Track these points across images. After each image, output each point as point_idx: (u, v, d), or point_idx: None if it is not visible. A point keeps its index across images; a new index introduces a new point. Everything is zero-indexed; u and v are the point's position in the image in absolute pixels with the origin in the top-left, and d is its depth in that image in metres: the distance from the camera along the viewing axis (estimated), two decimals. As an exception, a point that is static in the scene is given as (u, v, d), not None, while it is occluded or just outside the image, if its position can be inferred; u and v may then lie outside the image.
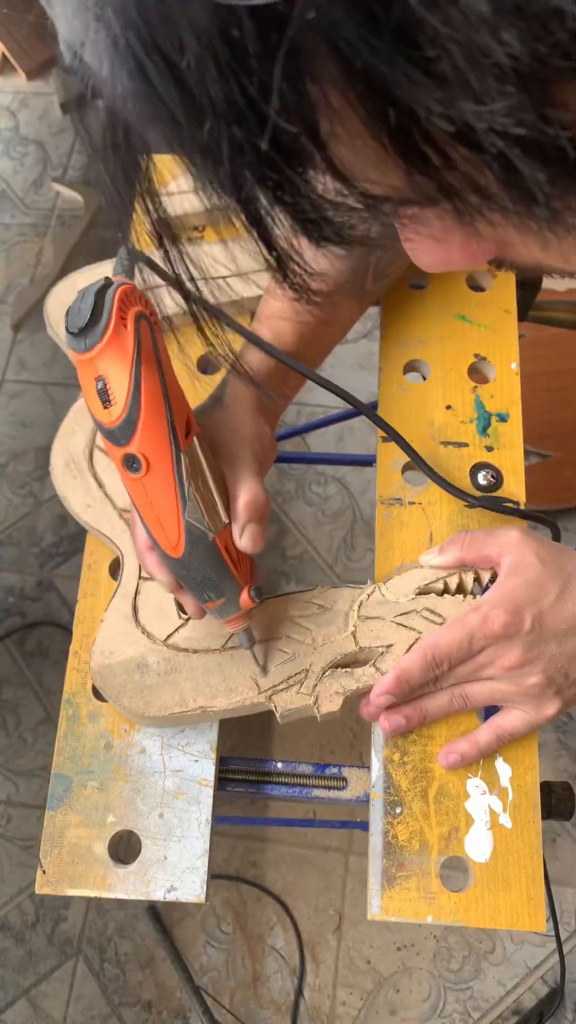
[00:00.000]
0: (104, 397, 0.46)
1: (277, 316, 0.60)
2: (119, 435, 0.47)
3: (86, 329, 0.45)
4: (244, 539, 0.51)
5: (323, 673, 0.56)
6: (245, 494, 0.52)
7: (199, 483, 0.49)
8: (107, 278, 0.46)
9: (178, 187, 0.76)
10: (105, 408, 0.46)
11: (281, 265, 0.27)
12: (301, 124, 0.20)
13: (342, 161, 0.22)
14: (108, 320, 0.45)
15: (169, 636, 0.58)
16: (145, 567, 0.54)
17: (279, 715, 0.56)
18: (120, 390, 0.46)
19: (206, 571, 0.51)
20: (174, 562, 0.51)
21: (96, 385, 0.46)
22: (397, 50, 0.18)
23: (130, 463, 0.47)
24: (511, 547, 0.55)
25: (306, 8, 0.18)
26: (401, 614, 0.58)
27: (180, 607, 0.59)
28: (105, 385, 0.46)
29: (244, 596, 0.52)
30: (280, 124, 0.20)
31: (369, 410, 0.59)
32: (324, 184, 0.23)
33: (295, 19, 0.18)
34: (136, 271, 0.52)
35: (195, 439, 0.49)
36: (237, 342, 0.54)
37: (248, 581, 0.53)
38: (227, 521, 0.51)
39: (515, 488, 0.65)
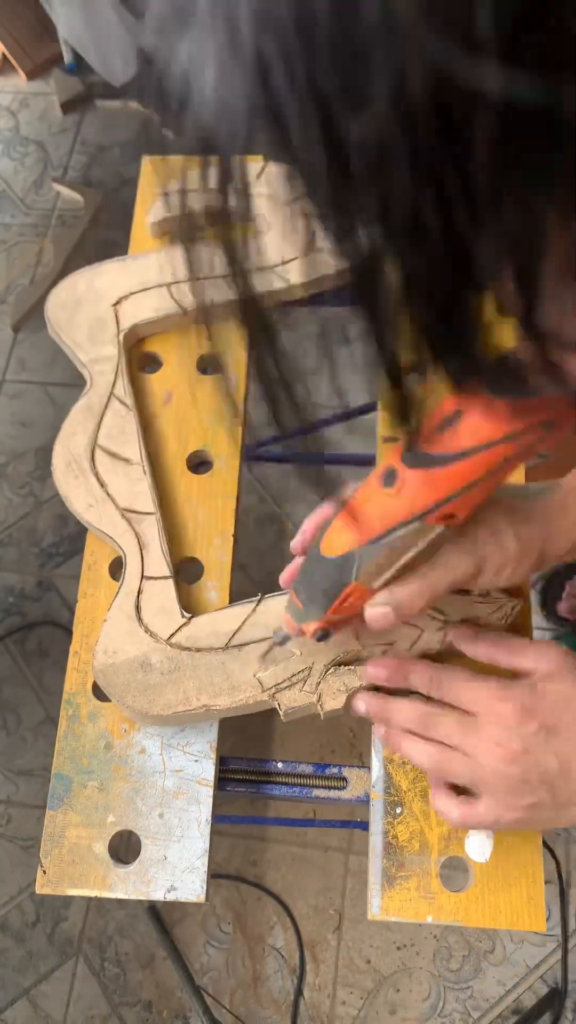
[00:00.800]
0: (445, 424, 0.41)
1: None
2: (415, 458, 0.43)
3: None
4: (370, 612, 0.49)
5: (326, 671, 0.56)
6: (407, 590, 0.48)
7: (399, 550, 0.46)
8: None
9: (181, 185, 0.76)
10: (436, 430, 0.41)
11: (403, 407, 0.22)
12: (512, 264, 0.16)
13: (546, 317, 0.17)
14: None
15: (172, 635, 0.58)
16: (308, 524, 0.52)
17: (282, 713, 0.56)
18: (462, 441, 0.41)
19: (319, 582, 0.49)
20: (317, 555, 0.48)
21: (449, 410, 0.41)
22: None
23: (390, 477, 0.44)
24: (549, 659, 0.52)
25: None
26: None
27: (183, 607, 0.59)
28: (457, 419, 0.41)
29: (311, 625, 0.50)
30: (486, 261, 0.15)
31: None
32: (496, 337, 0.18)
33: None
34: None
35: (442, 530, 0.45)
36: None
37: (328, 625, 0.51)
38: (375, 588, 0.48)
39: (515, 488, 0.65)
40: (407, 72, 0.13)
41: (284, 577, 0.55)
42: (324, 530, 0.49)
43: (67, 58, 1.91)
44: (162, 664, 0.57)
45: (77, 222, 1.78)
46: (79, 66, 1.92)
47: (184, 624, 0.59)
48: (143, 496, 0.63)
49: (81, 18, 1.67)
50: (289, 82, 0.15)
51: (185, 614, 0.59)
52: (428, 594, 0.48)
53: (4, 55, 1.95)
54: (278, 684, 0.56)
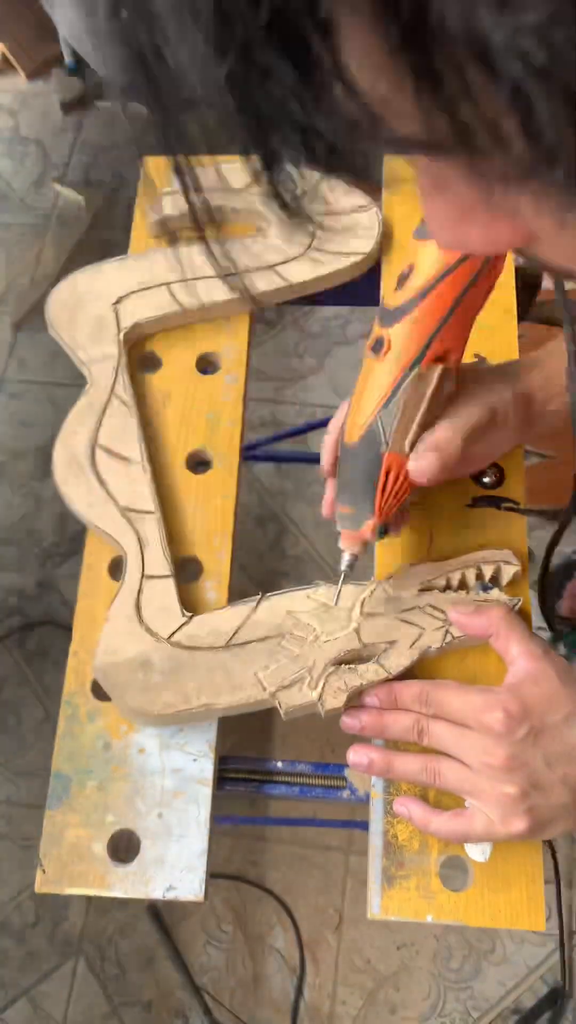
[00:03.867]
0: (402, 281, 0.49)
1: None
2: (388, 317, 0.49)
3: None
4: (415, 463, 0.51)
5: (326, 670, 0.56)
6: (441, 432, 0.52)
7: (411, 403, 0.50)
8: None
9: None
10: (396, 290, 0.49)
11: (269, 168, 0.22)
12: (306, 10, 0.17)
13: (348, 65, 0.18)
14: None
15: (172, 634, 0.58)
16: (326, 439, 0.56)
17: (283, 712, 0.56)
18: (416, 284, 0.48)
19: (357, 474, 0.52)
20: (343, 446, 0.52)
21: (405, 268, 0.49)
22: None
23: (378, 344, 0.50)
24: (530, 654, 0.54)
25: None
26: (404, 610, 0.58)
27: (182, 606, 0.59)
28: (410, 272, 0.49)
29: (369, 522, 0.52)
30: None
31: None
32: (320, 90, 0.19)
33: None
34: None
35: (440, 370, 0.50)
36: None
37: (384, 516, 0.53)
38: (407, 452, 0.52)
39: (515, 488, 0.65)
40: None
41: (326, 504, 0.57)
42: (340, 429, 0.53)
43: (67, 58, 1.91)
44: (162, 663, 0.57)
45: (77, 222, 1.78)
46: (79, 66, 1.92)
47: (185, 623, 0.59)
48: (143, 495, 0.63)
49: (81, 19, 1.67)
50: None
51: (186, 613, 0.59)
52: (460, 434, 0.52)
53: (4, 55, 1.95)
54: (280, 684, 0.56)
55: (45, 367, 1.66)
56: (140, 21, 0.19)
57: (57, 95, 1.92)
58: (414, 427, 0.51)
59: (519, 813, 0.50)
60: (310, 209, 0.25)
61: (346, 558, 0.54)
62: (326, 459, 0.55)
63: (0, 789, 1.37)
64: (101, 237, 1.77)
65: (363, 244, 0.71)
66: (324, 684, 0.56)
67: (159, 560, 0.61)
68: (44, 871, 0.56)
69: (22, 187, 1.86)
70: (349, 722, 0.56)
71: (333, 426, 0.55)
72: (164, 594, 0.60)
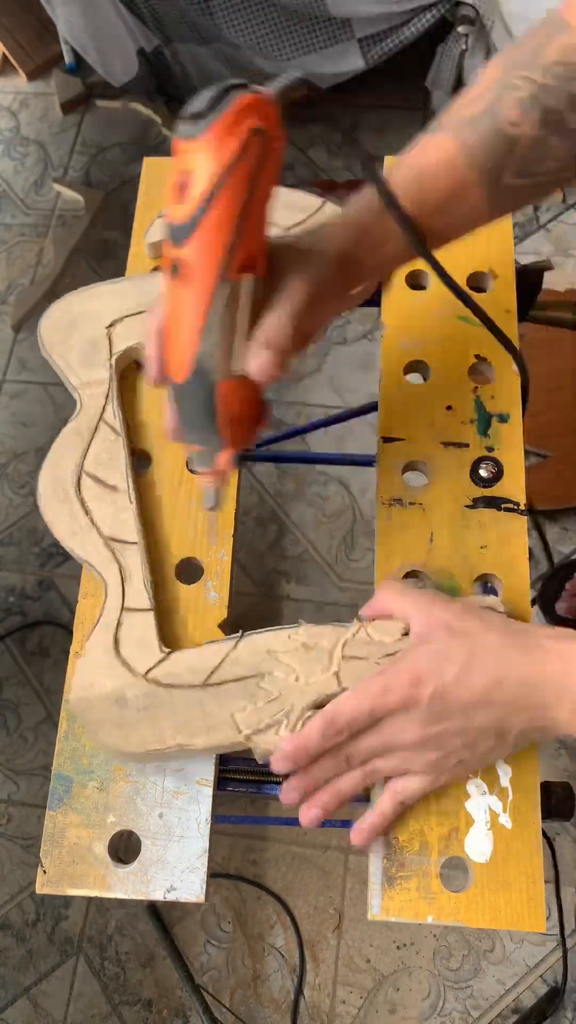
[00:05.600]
0: (181, 191, 0.43)
1: (410, 173, 0.52)
2: (177, 234, 0.44)
3: (195, 118, 0.42)
4: (251, 362, 0.47)
5: (304, 714, 0.55)
6: (269, 325, 0.47)
7: (229, 322, 0.46)
8: (245, 82, 0.43)
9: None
10: (177, 203, 0.43)
11: None
12: None
13: None
14: (216, 120, 0.41)
15: (149, 670, 0.57)
16: (150, 363, 0.50)
17: (258, 756, 0.55)
18: (197, 191, 0.43)
19: (196, 411, 0.48)
20: (173, 385, 0.49)
21: (179, 178, 0.43)
22: None
23: (175, 266, 0.45)
24: (419, 613, 0.54)
25: None
26: (386, 655, 0.56)
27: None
28: (186, 181, 0.43)
29: (223, 456, 0.50)
30: None
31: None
32: None
33: None
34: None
35: (251, 280, 0.46)
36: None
37: (237, 443, 0.50)
38: (237, 372, 0.48)
39: (515, 488, 0.65)
40: None
41: (167, 430, 0.52)
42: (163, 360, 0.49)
43: (67, 58, 1.91)
44: (138, 700, 0.56)
45: (77, 222, 1.78)
46: (79, 66, 1.92)
47: (162, 659, 0.57)
48: (128, 524, 0.62)
49: (81, 18, 1.67)
50: None
51: (164, 649, 0.58)
52: (289, 320, 0.47)
53: (5, 55, 1.95)
54: (256, 727, 0.55)
55: (45, 367, 1.66)
56: None
57: (57, 95, 1.92)
58: (237, 346, 0.47)
59: (450, 767, 0.53)
60: None
61: (209, 493, 0.52)
62: (154, 368, 0.50)
63: (0, 788, 1.37)
64: (101, 237, 1.77)
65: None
66: (301, 728, 0.54)
67: (140, 593, 0.60)
68: (45, 871, 0.56)
69: (22, 187, 1.86)
70: (310, 818, 0.54)
71: (152, 344, 0.49)
72: (143, 628, 0.59)
